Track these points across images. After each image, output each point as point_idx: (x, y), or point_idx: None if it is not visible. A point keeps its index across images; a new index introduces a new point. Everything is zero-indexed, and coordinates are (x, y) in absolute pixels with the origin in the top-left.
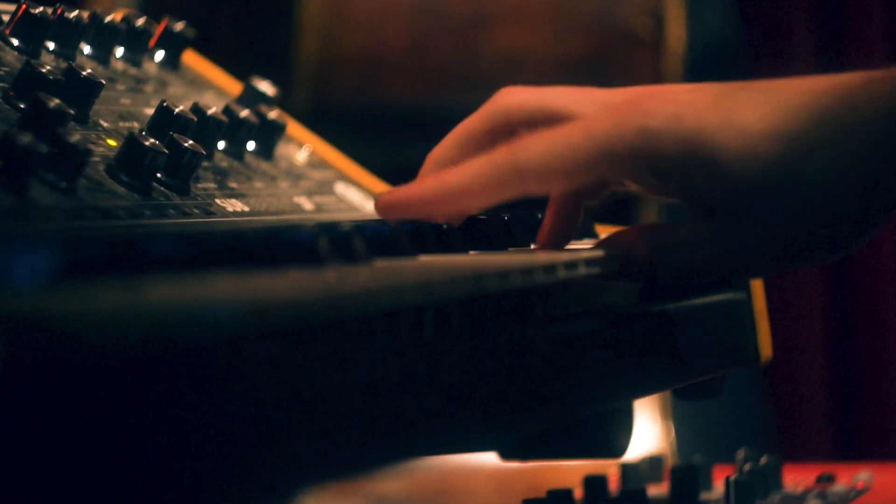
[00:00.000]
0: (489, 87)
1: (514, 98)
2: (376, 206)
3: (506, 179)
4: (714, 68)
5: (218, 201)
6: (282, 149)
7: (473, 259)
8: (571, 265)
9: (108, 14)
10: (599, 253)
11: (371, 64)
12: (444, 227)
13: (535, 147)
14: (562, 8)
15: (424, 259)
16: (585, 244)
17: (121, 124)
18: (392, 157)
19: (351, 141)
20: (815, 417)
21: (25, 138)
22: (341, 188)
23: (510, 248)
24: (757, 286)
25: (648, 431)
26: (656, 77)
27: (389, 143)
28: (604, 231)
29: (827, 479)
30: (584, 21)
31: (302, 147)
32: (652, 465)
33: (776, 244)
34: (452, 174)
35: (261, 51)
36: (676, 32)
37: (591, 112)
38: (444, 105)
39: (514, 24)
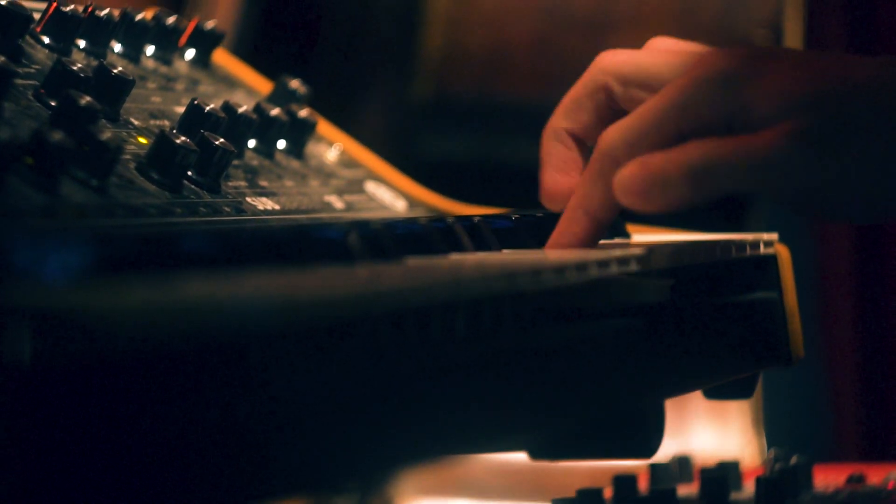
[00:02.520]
0: None
1: (610, 63)
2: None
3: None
4: None
5: (249, 199)
6: (312, 147)
7: (505, 257)
8: (604, 263)
9: (140, 12)
10: (634, 250)
11: (495, 60)
12: (477, 224)
13: (615, 135)
14: (684, 15)
15: (456, 257)
16: (617, 242)
17: (151, 122)
18: (512, 154)
19: (470, 135)
20: (846, 417)
21: (57, 136)
22: (371, 187)
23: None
24: (789, 285)
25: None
26: None
27: (510, 140)
28: (635, 230)
29: (857, 480)
30: (704, 30)
31: (332, 145)
32: (681, 466)
33: None
34: (570, 202)
35: (384, 43)
36: (793, 44)
37: (679, 78)
38: None
39: (639, 26)
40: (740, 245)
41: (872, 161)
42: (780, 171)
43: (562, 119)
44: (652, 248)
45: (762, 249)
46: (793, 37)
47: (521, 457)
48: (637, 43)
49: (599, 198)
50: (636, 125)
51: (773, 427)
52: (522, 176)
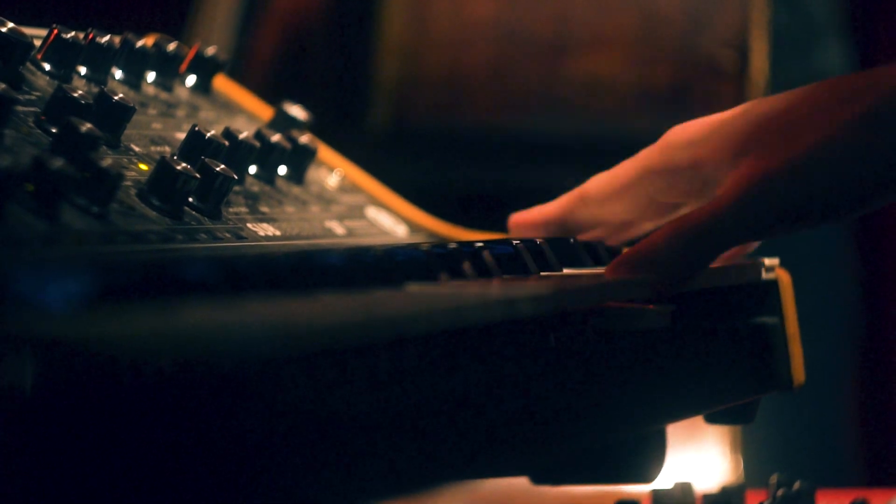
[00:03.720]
0: (570, 113)
1: (668, 150)
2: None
3: None
4: None
5: (249, 226)
6: (313, 173)
7: (506, 284)
8: (603, 290)
9: (141, 39)
10: (628, 277)
11: (452, 86)
12: (478, 250)
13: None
14: (645, 36)
15: (457, 284)
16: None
17: (152, 149)
18: (469, 179)
19: (429, 162)
20: (849, 443)
21: (58, 163)
22: (372, 212)
23: (543, 273)
24: (790, 310)
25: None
26: None
27: (468, 166)
28: None
29: None
30: (667, 50)
31: (333, 171)
32: (684, 491)
33: None
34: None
35: (341, 70)
36: (760, 65)
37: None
38: (525, 129)
39: (597, 50)
40: (753, 268)
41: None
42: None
43: (604, 186)
44: None
45: (763, 274)
46: (759, 56)
47: (522, 481)
48: (596, 66)
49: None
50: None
51: (774, 451)
52: (482, 201)
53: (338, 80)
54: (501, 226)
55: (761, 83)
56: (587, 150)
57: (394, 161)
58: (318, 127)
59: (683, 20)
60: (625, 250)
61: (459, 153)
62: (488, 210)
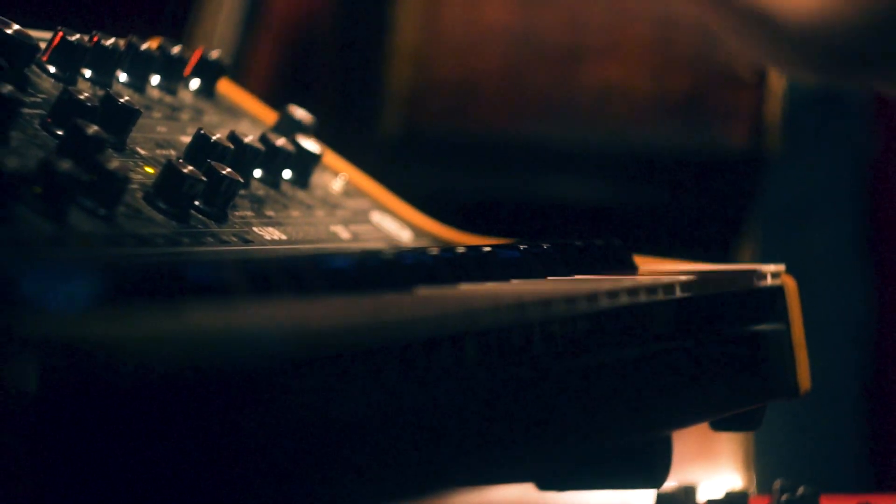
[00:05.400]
0: (584, 121)
1: None
2: None
3: None
4: (815, 108)
5: (255, 229)
6: (318, 177)
7: (516, 287)
8: (613, 294)
9: (146, 42)
10: (643, 281)
11: (464, 92)
12: (485, 254)
13: None
14: (661, 44)
15: (466, 287)
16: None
17: (158, 152)
18: (481, 187)
19: (441, 168)
20: (853, 447)
21: (65, 165)
22: (377, 217)
23: (549, 277)
24: (796, 316)
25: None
26: (756, 118)
27: (479, 173)
28: (642, 262)
29: None
30: (683, 58)
31: (337, 176)
32: (687, 495)
33: None
34: None
35: (353, 75)
36: (774, 73)
37: None
38: (537, 137)
39: (612, 57)
40: (760, 275)
41: None
42: None
43: None
44: (675, 278)
45: (769, 280)
46: None
47: (528, 487)
48: (611, 73)
49: None
50: None
51: (776, 457)
52: (493, 208)
53: (349, 86)
54: (511, 233)
55: (779, 92)
56: (601, 159)
57: (405, 167)
58: (327, 132)
59: (699, 28)
60: (636, 259)
61: (471, 160)
62: (499, 217)
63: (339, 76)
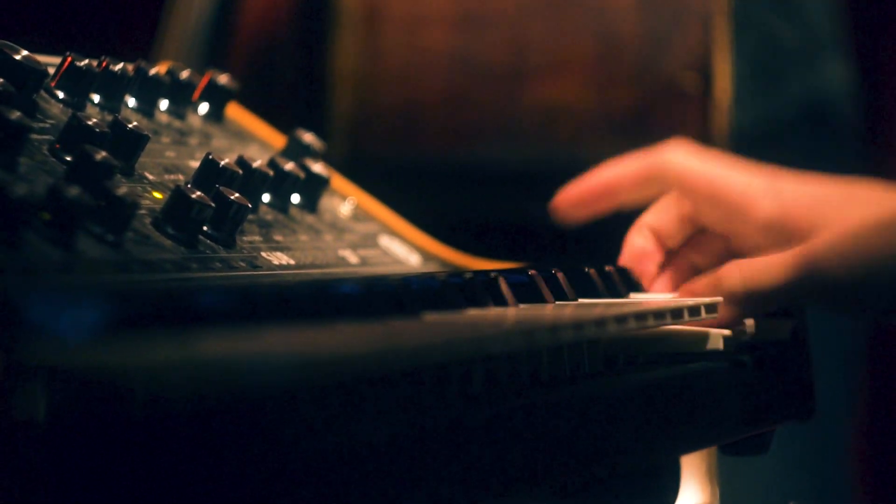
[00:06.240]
0: (528, 141)
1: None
2: None
3: None
4: (760, 123)
5: (263, 254)
6: (326, 202)
7: (523, 313)
8: (621, 319)
9: (153, 66)
10: (663, 304)
11: (407, 116)
12: (493, 279)
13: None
14: (604, 60)
15: (474, 313)
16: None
17: (166, 177)
18: (427, 210)
19: (386, 194)
20: (857, 469)
21: (73, 191)
22: (385, 241)
23: (559, 303)
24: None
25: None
26: (702, 131)
27: (425, 196)
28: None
29: None
30: (627, 74)
31: (346, 200)
32: None
33: None
34: None
35: (296, 103)
36: (723, 86)
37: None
38: (482, 158)
39: (555, 76)
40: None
41: None
42: None
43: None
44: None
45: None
46: (723, 78)
47: None
48: (555, 92)
49: None
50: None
51: (788, 478)
52: (444, 229)
53: (298, 111)
54: (492, 254)
55: (725, 105)
56: (546, 178)
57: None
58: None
59: (642, 42)
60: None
61: (416, 183)
62: (450, 239)
63: (289, 101)
